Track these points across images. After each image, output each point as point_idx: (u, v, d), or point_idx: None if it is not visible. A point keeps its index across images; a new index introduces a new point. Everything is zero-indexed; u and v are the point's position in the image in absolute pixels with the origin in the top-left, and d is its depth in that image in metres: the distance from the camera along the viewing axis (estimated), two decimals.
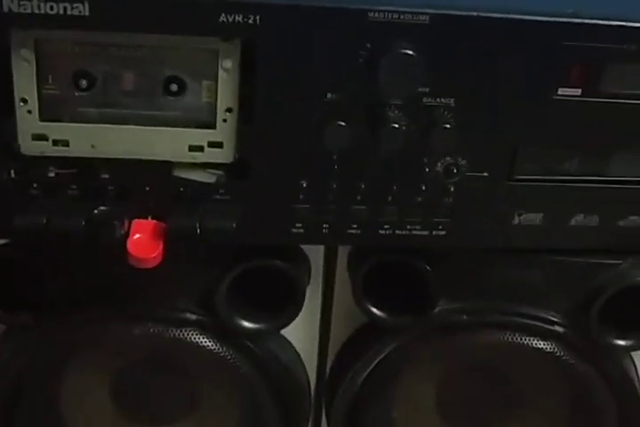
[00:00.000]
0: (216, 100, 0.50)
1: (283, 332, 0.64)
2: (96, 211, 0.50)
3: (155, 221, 0.52)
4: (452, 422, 0.68)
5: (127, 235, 0.51)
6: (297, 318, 0.61)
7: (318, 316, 0.66)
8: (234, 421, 0.66)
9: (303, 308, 0.60)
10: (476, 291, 0.61)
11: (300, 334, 0.65)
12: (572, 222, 0.57)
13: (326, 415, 0.69)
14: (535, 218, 0.56)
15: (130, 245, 0.50)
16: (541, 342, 0.61)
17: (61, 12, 0.45)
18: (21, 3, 0.45)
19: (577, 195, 0.56)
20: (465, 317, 0.61)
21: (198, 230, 0.51)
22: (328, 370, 0.68)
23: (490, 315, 0.61)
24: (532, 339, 0.61)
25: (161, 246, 0.51)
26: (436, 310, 0.60)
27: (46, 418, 0.65)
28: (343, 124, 0.50)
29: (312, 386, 0.68)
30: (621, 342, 0.61)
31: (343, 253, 0.63)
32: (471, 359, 0.64)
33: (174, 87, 0.50)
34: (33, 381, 0.62)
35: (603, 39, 0.50)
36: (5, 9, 0.45)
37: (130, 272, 0.55)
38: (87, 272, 0.59)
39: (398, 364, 0.63)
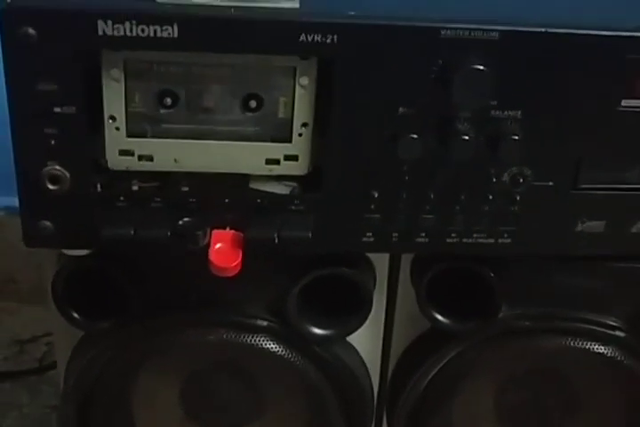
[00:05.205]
0: (292, 115, 0.53)
1: (347, 337, 0.66)
2: (180, 222, 0.53)
3: (233, 231, 0.54)
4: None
5: (208, 244, 0.53)
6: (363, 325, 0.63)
7: (382, 322, 0.67)
8: (299, 426, 0.68)
9: None
10: (538, 297, 0.63)
11: (364, 339, 0.67)
12: (634, 230, 0.58)
13: (387, 420, 0.71)
14: (598, 226, 0.58)
15: (212, 255, 0.53)
16: (602, 347, 0.63)
17: (152, 34, 0.48)
18: (115, 26, 0.48)
19: (638, 203, 0.58)
20: (527, 322, 0.63)
21: (276, 240, 0.54)
22: (390, 375, 0.70)
23: (552, 321, 0.63)
24: (593, 344, 0.63)
25: (240, 256, 0.53)
26: (499, 315, 0.62)
27: (118, 419, 0.67)
28: (415, 136, 0.52)
29: (374, 391, 0.70)
30: None
31: (406, 260, 0.65)
32: (532, 365, 0.66)
33: (253, 104, 0.53)
34: (108, 383, 0.64)
35: None
36: (100, 32, 0.48)
37: (204, 281, 0.58)
38: (163, 281, 0.61)
39: (461, 369, 0.65)
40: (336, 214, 0.56)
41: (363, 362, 0.68)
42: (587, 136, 0.55)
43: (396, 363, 0.69)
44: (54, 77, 0.49)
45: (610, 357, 0.63)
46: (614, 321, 0.63)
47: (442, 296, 0.63)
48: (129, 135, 0.52)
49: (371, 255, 0.64)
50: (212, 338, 0.61)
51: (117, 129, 0.52)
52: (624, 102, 0.53)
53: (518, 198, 0.56)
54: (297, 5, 0.50)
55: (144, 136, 0.53)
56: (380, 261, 0.64)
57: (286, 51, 0.50)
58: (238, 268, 0.53)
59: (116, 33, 0.48)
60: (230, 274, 0.53)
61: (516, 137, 0.52)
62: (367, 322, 0.63)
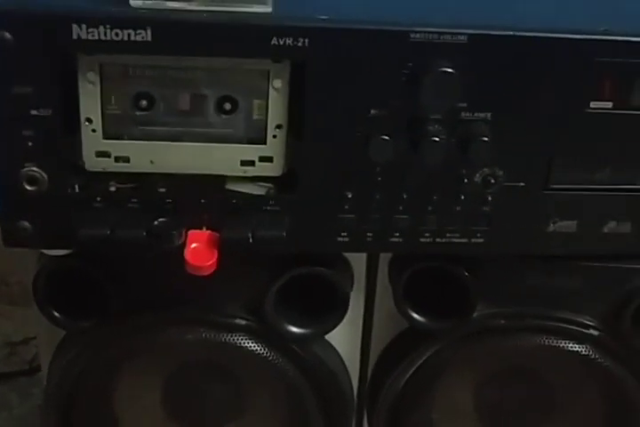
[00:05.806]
0: (266, 117, 0.54)
1: (326, 336, 0.67)
2: (156, 222, 0.54)
3: (209, 231, 0.55)
4: (490, 423, 0.71)
5: (184, 244, 0.54)
6: (340, 324, 0.64)
7: (360, 321, 0.68)
8: (279, 424, 0.69)
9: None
10: (513, 296, 0.64)
11: (343, 338, 0.68)
12: (606, 229, 0.59)
13: (368, 418, 0.72)
14: (569, 225, 0.59)
15: (187, 254, 0.54)
16: (577, 346, 0.64)
17: (125, 38, 0.49)
18: (89, 30, 0.48)
19: (609, 203, 0.58)
20: (502, 321, 0.64)
21: (250, 240, 0.54)
22: (370, 373, 0.71)
23: (526, 319, 0.64)
24: (567, 342, 0.64)
25: (216, 255, 0.54)
26: (475, 314, 0.63)
27: (100, 418, 0.68)
28: (387, 138, 0.53)
29: (354, 389, 0.71)
30: None
31: (384, 260, 0.66)
32: (509, 362, 0.66)
33: (227, 106, 0.54)
34: (90, 382, 0.65)
35: (632, 55, 0.53)
36: (74, 36, 0.49)
37: (183, 280, 0.59)
38: (143, 280, 0.62)
39: (438, 367, 0.66)
40: (311, 215, 0.57)
41: (342, 360, 0.69)
42: (557, 137, 0.55)
43: (375, 361, 0.70)
44: (30, 80, 0.50)
45: (584, 355, 0.64)
46: (589, 320, 0.64)
47: (419, 295, 0.63)
48: (105, 137, 0.53)
49: (349, 255, 0.65)
50: (191, 337, 0.62)
51: (94, 131, 0.53)
52: (593, 104, 0.54)
53: (490, 199, 0.57)
54: (269, 10, 0.51)
55: (120, 138, 0.54)
56: (358, 260, 0.65)
57: (259, 54, 0.51)
58: (214, 267, 0.54)
59: (90, 37, 0.49)
60: (206, 273, 0.54)
61: (487, 138, 0.53)
62: (346, 321, 0.64)
